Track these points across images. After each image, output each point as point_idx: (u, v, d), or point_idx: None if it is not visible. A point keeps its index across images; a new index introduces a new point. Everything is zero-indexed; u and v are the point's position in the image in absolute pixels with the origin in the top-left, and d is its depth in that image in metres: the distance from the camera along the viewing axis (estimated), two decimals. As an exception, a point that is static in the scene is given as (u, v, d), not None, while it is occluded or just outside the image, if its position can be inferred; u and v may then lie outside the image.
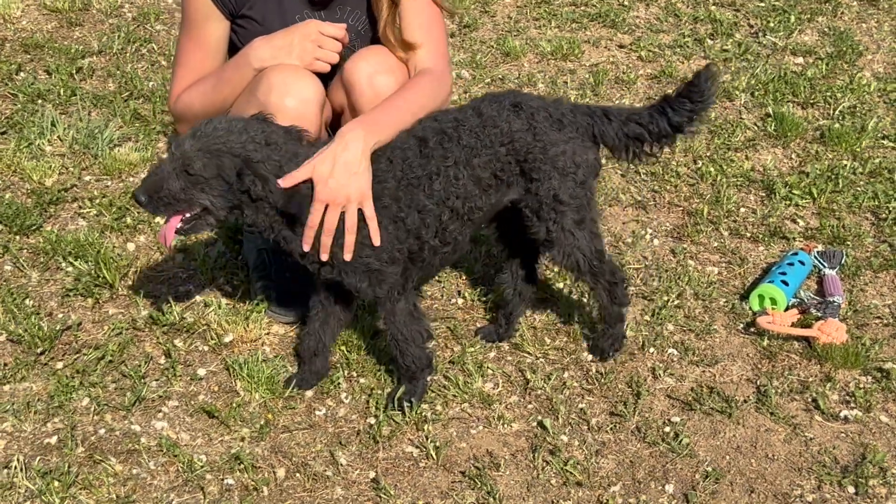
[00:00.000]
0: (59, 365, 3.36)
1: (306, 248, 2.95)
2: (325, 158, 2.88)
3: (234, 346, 3.46)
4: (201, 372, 3.36)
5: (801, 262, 3.74)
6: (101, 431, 3.12)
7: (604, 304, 3.33)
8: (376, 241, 2.95)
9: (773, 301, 3.60)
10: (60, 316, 3.57)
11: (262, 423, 3.15)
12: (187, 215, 2.91)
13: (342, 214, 2.91)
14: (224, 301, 3.63)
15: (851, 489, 2.95)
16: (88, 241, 3.86)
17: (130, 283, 3.74)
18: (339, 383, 3.31)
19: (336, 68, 3.34)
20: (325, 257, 2.97)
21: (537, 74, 5.24)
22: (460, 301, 3.71)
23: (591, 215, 3.19)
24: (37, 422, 3.15)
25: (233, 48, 3.40)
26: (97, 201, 4.15)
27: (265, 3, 3.32)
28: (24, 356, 3.38)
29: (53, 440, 3.08)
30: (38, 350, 3.40)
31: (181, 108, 3.39)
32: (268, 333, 3.53)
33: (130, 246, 3.93)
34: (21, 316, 3.52)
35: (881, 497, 2.93)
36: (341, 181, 2.87)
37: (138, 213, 4.09)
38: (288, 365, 3.39)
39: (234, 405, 3.21)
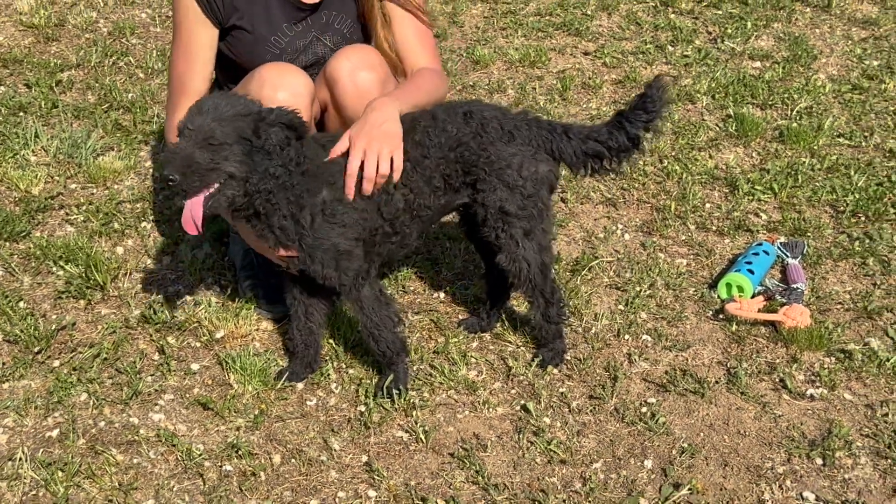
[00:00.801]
0: (56, 363, 3.47)
1: (350, 196, 3.10)
2: (358, 123, 3.14)
3: (226, 341, 3.58)
4: (195, 367, 3.48)
5: (766, 252, 3.92)
6: (101, 424, 3.23)
7: (537, 320, 3.41)
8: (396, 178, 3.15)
9: (741, 289, 3.77)
10: (55, 317, 3.68)
11: (256, 413, 3.27)
12: (208, 194, 2.96)
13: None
14: (214, 299, 3.75)
15: (819, 461, 3.12)
16: (78, 246, 3.97)
17: (121, 284, 3.85)
18: (328, 374, 3.44)
19: (319, 66, 3.51)
20: (368, 189, 3.12)
21: (507, 81, 5.41)
22: (442, 295, 3.86)
23: (541, 226, 3.29)
24: (37, 417, 3.25)
25: (225, 59, 3.53)
26: (84, 208, 4.26)
27: (253, 11, 3.45)
28: (21, 355, 3.49)
29: (55, 433, 3.19)
30: (36, 349, 3.50)
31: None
32: (257, 329, 3.65)
33: (119, 250, 4.05)
34: (16, 317, 3.62)
35: (847, 467, 3.10)
36: (372, 133, 3.09)
37: (125, 218, 4.21)
38: (278, 359, 3.52)
39: (229, 397, 3.33)
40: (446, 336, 3.62)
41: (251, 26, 3.46)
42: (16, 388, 3.37)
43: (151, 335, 3.61)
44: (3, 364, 3.46)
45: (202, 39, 3.45)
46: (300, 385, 3.41)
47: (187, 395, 3.37)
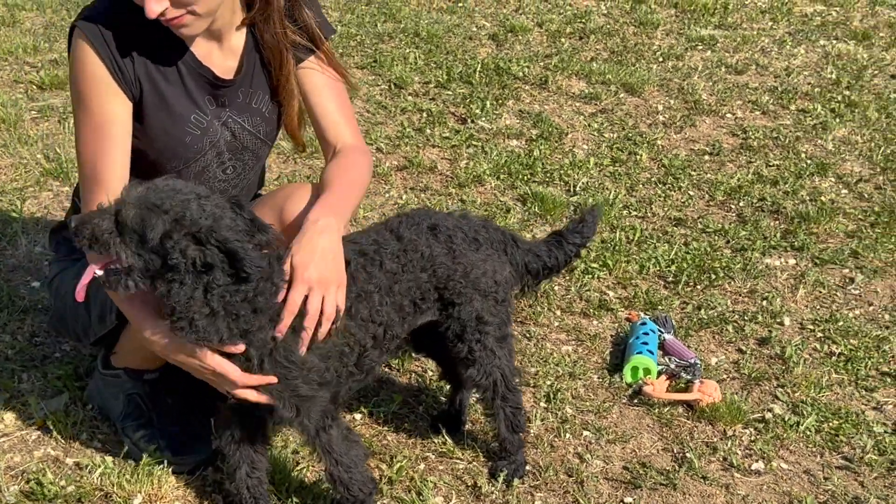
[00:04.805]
0: (-65, 570, 2.71)
1: (279, 335, 2.63)
2: (304, 247, 2.68)
3: (145, 507, 2.99)
4: (122, 544, 2.87)
5: (652, 331, 3.92)
6: None
7: (502, 432, 3.20)
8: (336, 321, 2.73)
9: (648, 371, 3.75)
10: None
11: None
12: (112, 267, 2.53)
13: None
14: (108, 459, 3.12)
15: (806, 534, 3.15)
16: None
17: (-28, 455, 3.11)
18: (286, 528, 2.97)
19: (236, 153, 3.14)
20: (303, 351, 2.67)
21: (288, 173, 5.07)
22: (358, 416, 3.48)
23: (509, 331, 3.13)
24: None
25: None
26: None
27: (167, 85, 2.94)
28: None
29: None
30: None
31: None
32: (177, 486, 3.08)
33: (-56, 413, 3.27)
34: None
35: (833, 536, 3.15)
36: (324, 267, 2.67)
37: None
38: (213, 518, 3.00)
39: (182, 575, 2.77)
40: (388, 462, 3.26)
41: (168, 102, 2.94)
42: None
43: (49, 514, 2.93)
44: None
45: (117, 115, 2.85)
46: (257, 546, 2.91)
47: (129, 582, 2.76)
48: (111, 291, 2.72)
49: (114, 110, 2.85)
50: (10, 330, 3.73)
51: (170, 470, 3.11)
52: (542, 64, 6.93)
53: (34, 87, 5.91)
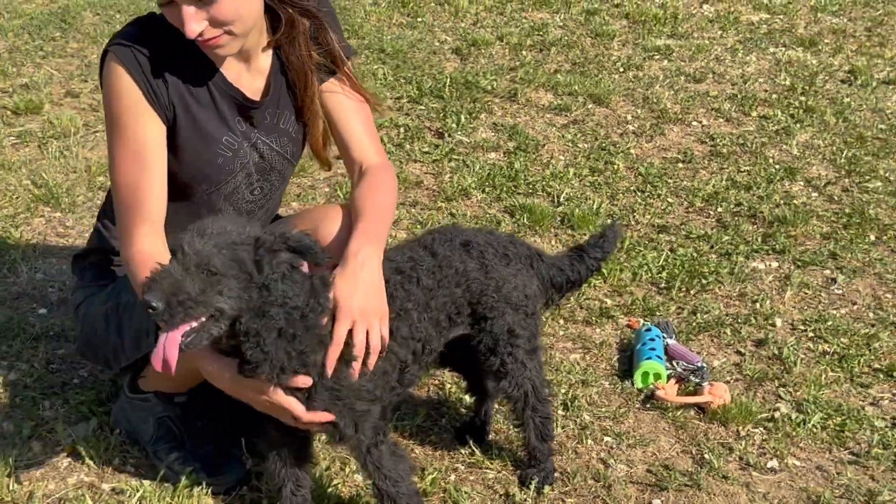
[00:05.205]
0: None
1: (329, 371, 2.67)
2: (346, 280, 2.72)
3: (192, 530, 3.00)
4: (173, 568, 2.88)
5: (658, 336, 4.02)
6: None
7: (532, 441, 3.26)
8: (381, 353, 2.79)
9: (658, 376, 3.83)
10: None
11: None
12: (187, 328, 2.46)
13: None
14: (145, 483, 3.13)
15: (830, 530, 3.26)
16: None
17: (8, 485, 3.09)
18: (332, 546, 3.00)
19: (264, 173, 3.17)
20: (355, 377, 2.72)
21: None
22: (384, 430, 3.52)
23: (538, 343, 3.21)
24: None
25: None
26: None
27: (199, 107, 2.98)
28: None
29: None
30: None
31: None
32: (217, 508, 3.10)
33: (-30, 443, 3.25)
34: None
35: (857, 531, 3.26)
36: (366, 299, 2.73)
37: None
38: (255, 538, 3.01)
39: None
40: (420, 474, 3.31)
41: (200, 124, 2.97)
42: None
43: (94, 541, 2.93)
44: None
45: (154, 138, 2.87)
46: (307, 566, 2.94)
47: None
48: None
49: (150, 133, 2.88)
50: (25, 358, 3.71)
51: (208, 491, 3.12)
52: (508, 77, 7.01)
53: (9, 112, 5.85)
